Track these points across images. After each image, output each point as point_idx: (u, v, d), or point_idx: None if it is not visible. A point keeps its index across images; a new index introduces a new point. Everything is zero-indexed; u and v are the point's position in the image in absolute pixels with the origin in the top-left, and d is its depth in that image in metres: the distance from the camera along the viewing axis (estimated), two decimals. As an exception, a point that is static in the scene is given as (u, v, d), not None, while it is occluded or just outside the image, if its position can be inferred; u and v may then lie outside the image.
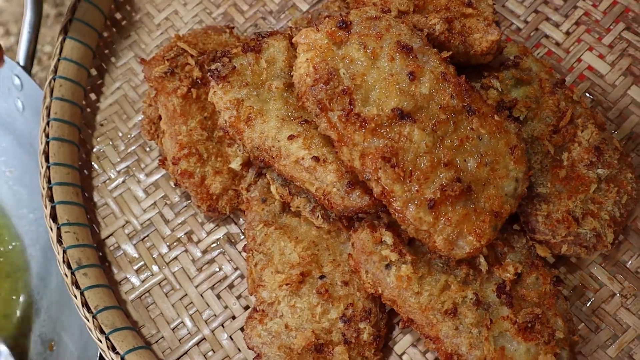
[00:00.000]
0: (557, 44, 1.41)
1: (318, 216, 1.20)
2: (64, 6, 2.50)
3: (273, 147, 1.12)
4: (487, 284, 1.11)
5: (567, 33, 1.41)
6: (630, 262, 1.20)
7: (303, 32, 1.07)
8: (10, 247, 1.73)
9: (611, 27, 1.39)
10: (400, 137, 1.02)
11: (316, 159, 1.08)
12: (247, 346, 1.14)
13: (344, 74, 1.04)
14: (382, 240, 1.11)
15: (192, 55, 1.37)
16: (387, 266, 1.10)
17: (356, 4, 1.28)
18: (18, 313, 1.64)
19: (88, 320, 1.22)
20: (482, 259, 1.11)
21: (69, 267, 1.29)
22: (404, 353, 1.21)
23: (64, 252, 1.30)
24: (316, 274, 1.16)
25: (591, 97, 1.34)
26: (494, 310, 1.08)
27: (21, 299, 1.66)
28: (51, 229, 1.32)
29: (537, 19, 1.44)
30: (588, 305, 1.19)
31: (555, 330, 1.07)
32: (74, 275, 1.28)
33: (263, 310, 1.16)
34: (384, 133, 1.02)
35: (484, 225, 1.02)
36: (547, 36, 1.43)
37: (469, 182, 1.03)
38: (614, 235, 1.14)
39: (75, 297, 1.24)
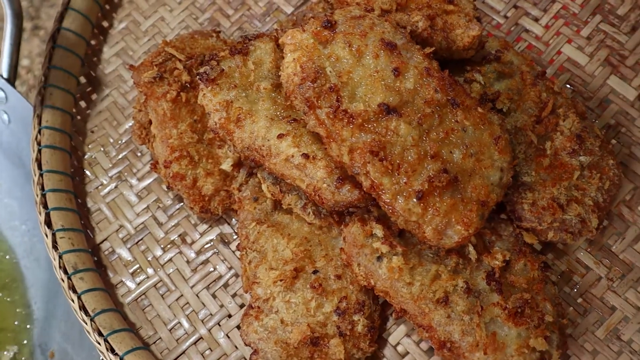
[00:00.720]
0: (537, 38, 1.45)
1: (309, 212, 1.22)
2: (40, 19, 2.50)
3: (263, 146, 1.14)
4: (476, 272, 1.14)
5: (547, 27, 1.45)
6: (615, 246, 1.24)
7: (289, 32, 1.10)
8: (3, 259, 1.73)
9: (589, 19, 1.43)
10: (387, 131, 1.05)
11: (306, 156, 1.10)
12: (244, 343, 1.16)
13: (330, 72, 1.07)
14: (373, 233, 1.13)
15: (180, 60, 1.39)
16: (379, 258, 1.12)
17: (340, 4, 1.31)
18: (16, 325, 1.65)
19: (86, 324, 1.23)
20: (471, 248, 1.14)
21: (65, 272, 1.30)
22: (398, 344, 1.24)
23: (60, 257, 1.31)
24: (309, 269, 1.18)
25: (572, 87, 1.38)
26: (485, 297, 1.11)
27: (18, 310, 1.66)
28: (46, 235, 1.33)
29: (516, 14, 1.48)
30: (576, 289, 1.22)
31: (544, 314, 1.10)
32: (71, 280, 1.30)
33: (258, 307, 1.18)
34: (371, 128, 1.04)
35: (472, 214, 1.05)
36: (527, 30, 1.46)
37: (455, 172, 1.06)
38: (598, 220, 1.17)
39: (73, 301, 1.25)
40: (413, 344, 1.23)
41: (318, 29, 1.09)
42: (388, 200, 1.03)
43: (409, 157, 1.04)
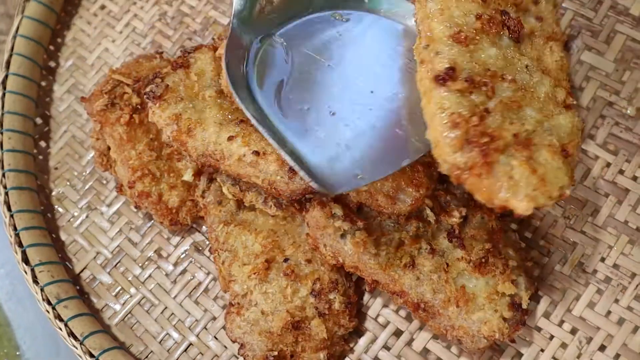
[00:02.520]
0: None
1: (271, 206, 1.26)
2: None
3: (216, 150, 1.18)
4: (437, 232, 1.18)
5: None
6: (566, 186, 1.29)
7: (222, 45, 1.15)
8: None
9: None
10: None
11: (256, 153, 1.14)
12: (230, 339, 1.20)
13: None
14: (333, 213, 1.17)
15: (128, 84, 1.43)
16: (343, 236, 1.16)
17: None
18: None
19: (76, 348, 1.26)
20: (428, 211, 1.18)
21: (49, 303, 1.33)
22: (378, 315, 1.28)
23: (42, 290, 1.34)
24: (280, 259, 1.22)
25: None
26: (449, 254, 1.15)
27: (8, 352, 1.68)
28: (25, 272, 1.36)
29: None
30: (536, 233, 1.26)
31: (508, 260, 1.14)
32: (55, 310, 1.33)
33: (238, 303, 1.22)
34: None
35: (420, 175, 1.10)
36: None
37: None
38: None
39: (60, 329, 1.28)
40: (392, 313, 1.27)
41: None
42: (337, 177, 1.08)
43: (347, 133, 1.09)
